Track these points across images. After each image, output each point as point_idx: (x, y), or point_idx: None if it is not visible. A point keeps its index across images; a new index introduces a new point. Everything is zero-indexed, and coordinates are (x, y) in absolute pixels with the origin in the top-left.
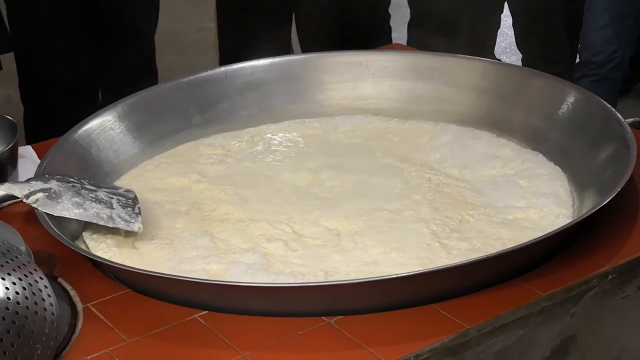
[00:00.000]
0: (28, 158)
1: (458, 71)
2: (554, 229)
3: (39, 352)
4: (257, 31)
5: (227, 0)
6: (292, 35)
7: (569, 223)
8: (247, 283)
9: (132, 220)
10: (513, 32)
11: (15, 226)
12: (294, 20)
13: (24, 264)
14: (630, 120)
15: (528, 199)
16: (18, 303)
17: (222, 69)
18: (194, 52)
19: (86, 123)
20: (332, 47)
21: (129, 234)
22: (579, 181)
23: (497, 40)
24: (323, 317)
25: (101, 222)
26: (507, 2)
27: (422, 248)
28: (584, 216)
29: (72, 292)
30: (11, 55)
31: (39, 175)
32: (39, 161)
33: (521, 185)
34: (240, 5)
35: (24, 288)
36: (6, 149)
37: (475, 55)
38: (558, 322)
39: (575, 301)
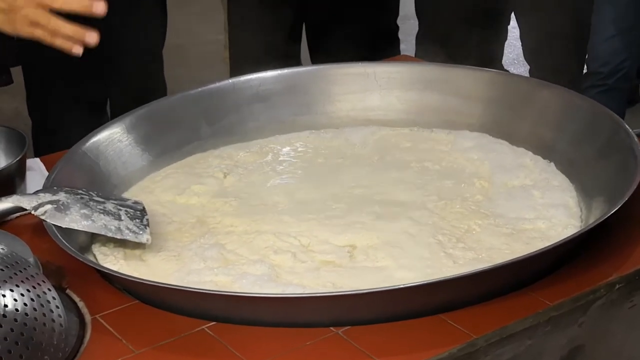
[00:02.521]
0: (36, 170)
1: (466, 82)
2: (561, 239)
3: None
4: (266, 43)
5: (238, 13)
6: (302, 46)
7: (576, 233)
8: (256, 294)
9: (141, 232)
10: (520, 43)
11: (24, 238)
12: (304, 32)
13: (32, 276)
14: (638, 130)
15: (538, 210)
16: (26, 314)
17: (230, 80)
18: (202, 65)
19: (94, 135)
20: (340, 58)
21: (136, 246)
22: (587, 191)
23: (505, 51)
24: (331, 328)
25: (109, 234)
26: (515, 14)
27: (428, 258)
28: (591, 226)
29: (81, 304)
30: (20, 68)
31: (47, 188)
32: (47, 173)
33: (535, 196)
34: (250, 17)
35: (33, 299)
36: (14, 161)
37: (483, 67)
38: (566, 331)
39: (583, 311)
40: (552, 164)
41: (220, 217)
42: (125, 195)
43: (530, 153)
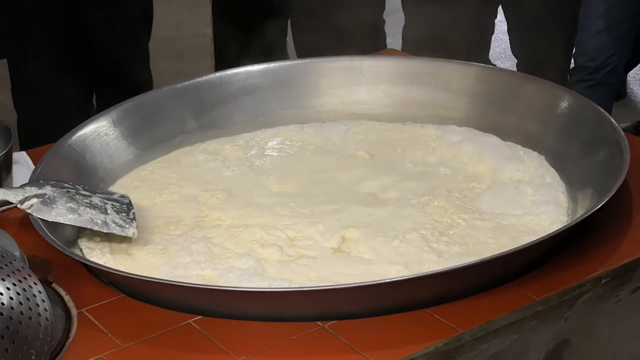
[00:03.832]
0: (23, 164)
1: (452, 76)
2: (547, 234)
3: (33, 357)
4: (252, 36)
5: (223, 7)
6: (287, 40)
7: (562, 227)
8: (242, 288)
9: (127, 226)
10: (508, 37)
11: (9, 232)
12: (289, 26)
13: (18, 270)
14: (624, 125)
15: (527, 207)
16: (12, 308)
17: (217, 74)
18: (189, 58)
19: (81, 129)
20: (327, 52)
21: (123, 240)
22: (573, 185)
23: (492, 45)
24: (317, 322)
25: (95, 228)
26: (502, 7)
27: (413, 253)
28: (577, 220)
29: (67, 298)
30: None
31: (33, 181)
32: (33, 167)
33: (527, 193)
34: (235, 10)
35: (18, 293)
36: (0, 154)
37: (470, 61)
38: (552, 326)
39: (569, 305)
40: (543, 158)
41: (207, 210)
42: (112, 188)
43: (521, 147)
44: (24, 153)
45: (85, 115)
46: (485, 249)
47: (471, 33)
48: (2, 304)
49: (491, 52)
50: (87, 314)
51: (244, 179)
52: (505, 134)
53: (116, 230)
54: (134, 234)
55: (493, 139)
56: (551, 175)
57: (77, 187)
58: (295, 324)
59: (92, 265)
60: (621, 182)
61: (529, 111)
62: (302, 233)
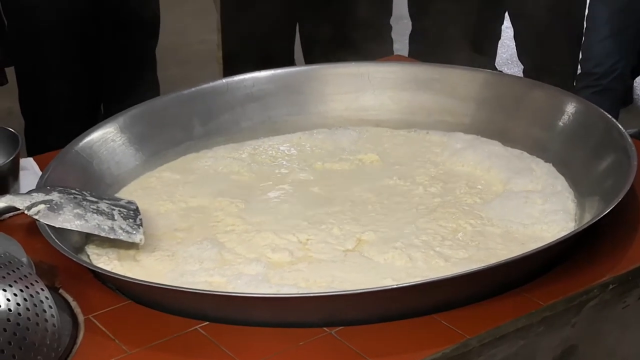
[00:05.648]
0: (30, 170)
1: (459, 82)
2: (554, 240)
3: None
4: (260, 42)
5: (231, 12)
6: (295, 46)
7: (569, 233)
8: (248, 294)
9: (134, 232)
10: (514, 43)
11: (16, 238)
12: (298, 31)
13: (25, 276)
14: (631, 130)
15: (535, 216)
16: (19, 314)
17: (224, 80)
18: (195, 64)
19: (88, 135)
20: (334, 58)
21: (130, 246)
22: (580, 191)
23: (499, 51)
24: (324, 328)
25: (102, 234)
26: (508, 13)
27: (420, 259)
28: (584, 226)
29: (74, 304)
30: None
31: (40, 187)
32: (40, 173)
33: (537, 202)
34: (243, 16)
35: (25, 300)
36: (8, 161)
37: (476, 67)
38: (559, 332)
39: (576, 311)
40: (551, 165)
41: (215, 216)
42: (119, 195)
43: (529, 155)
44: (31, 159)
45: (93, 121)
46: (493, 255)
47: (478, 39)
48: (9, 310)
49: (498, 58)
50: (94, 320)
51: (251, 185)
52: (511, 140)
53: (123, 237)
54: (141, 240)
55: (500, 147)
56: (560, 183)
57: (84, 193)
58: (302, 330)
59: (100, 271)
60: (628, 188)
61: (536, 117)
62: (313, 239)
